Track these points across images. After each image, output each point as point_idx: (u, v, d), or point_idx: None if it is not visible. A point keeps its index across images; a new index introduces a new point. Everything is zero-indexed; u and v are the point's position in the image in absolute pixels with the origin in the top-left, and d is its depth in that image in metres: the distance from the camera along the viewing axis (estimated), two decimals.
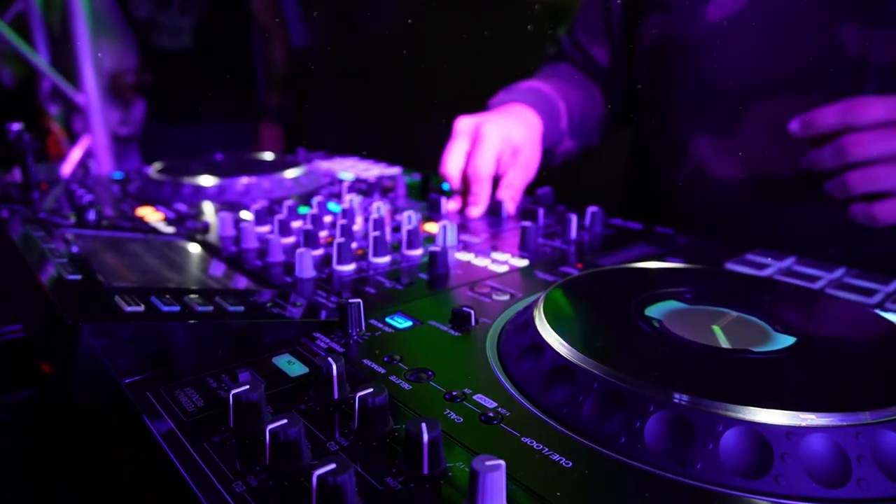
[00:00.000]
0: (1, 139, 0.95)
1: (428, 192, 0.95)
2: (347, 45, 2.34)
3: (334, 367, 0.37)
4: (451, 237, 0.71)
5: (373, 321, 0.50)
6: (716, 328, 0.42)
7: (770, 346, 0.40)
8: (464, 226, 0.81)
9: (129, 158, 2.22)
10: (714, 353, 0.39)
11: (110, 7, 2.05)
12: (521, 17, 1.54)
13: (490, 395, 0.38)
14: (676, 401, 0.33)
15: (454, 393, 0.39)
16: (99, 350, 0.41)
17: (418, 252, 0.68)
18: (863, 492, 0.29)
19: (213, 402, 0.38)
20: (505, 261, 0.66)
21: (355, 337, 0.47)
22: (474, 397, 0.38)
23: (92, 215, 0.79)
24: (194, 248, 0.72)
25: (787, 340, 0.40)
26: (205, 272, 0.64)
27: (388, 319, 0.50)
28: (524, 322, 0.44)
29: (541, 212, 0.80)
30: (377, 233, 0.66)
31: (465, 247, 0.71)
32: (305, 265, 0.61)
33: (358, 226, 0.78)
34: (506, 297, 0.55)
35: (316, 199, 0.87)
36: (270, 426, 0.30)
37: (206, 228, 0.79)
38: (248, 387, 0.35)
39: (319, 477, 0.26)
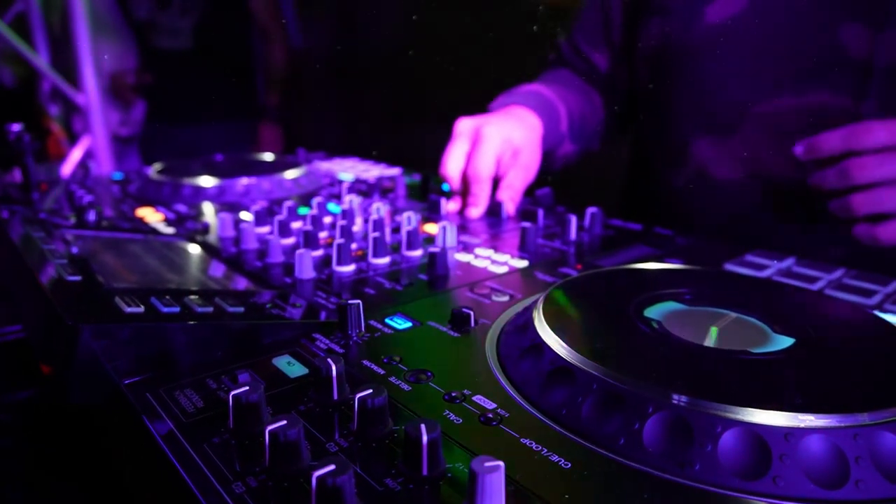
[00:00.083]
0: (1, 139, 0.95)
1: (428, 192, 0.95)
2: (347, 46, 2.34)
3: (334, 368, 0.37)
4: (451, 238, 0.71)
5: (372, 322, 0.50)
6: (713, 329, 0.42)
7: (769, 347, 0.40)
8: (463, 227, 0.81)
9: (129, 159, 2.22)
10: (713, 354, 0.39)
11: (110, 7, 2.05)
12: (523, 20, 1.54)
13: (489, 396, 0.38)
14: (675, 402, 0.33)
15: (453, 394, 0.39)
16: (99, 351, 0.41)
17: (418, 253, 0.68)
18: (861, 493, 0.30)
19: (213, 403, 0.38)
20: (504, 262, 0.66)
21: (355, 338, 0.47)
22: (474, 398, 0.38)
23: (92, 216, 0.79)
24: (194, 249, 0.72)
25: (786, 341, 0.40)
26: (204, 273, 0.64)
27: (387, 320, 0.50)
28: (523, 323, 0.44)
29: (540, 213, 0.80)
30: (377, 234, 0.66)
31: (465, 248, 0.71)
32: (305, 266, 0.61)
33: (357, 227, 0.78)
34: (505, 298, 0.55)
35: (316, 200, 0.87)
36: (270, 427, 0.31)
37: (205, 229, 0.79)
38: (247, 388, 0.35)
39: (319, 478, 0.26)
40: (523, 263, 0.65)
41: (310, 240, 0.68)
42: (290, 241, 0.72)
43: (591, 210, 0.77)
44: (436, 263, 0.62)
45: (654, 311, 0.45)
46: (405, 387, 0.40)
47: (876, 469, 0.30)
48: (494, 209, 0.86)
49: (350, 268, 0.63)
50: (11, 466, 0.54)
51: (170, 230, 0.79)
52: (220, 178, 0.96)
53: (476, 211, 0.86)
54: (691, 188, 0.93)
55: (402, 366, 0.43)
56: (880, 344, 0.41)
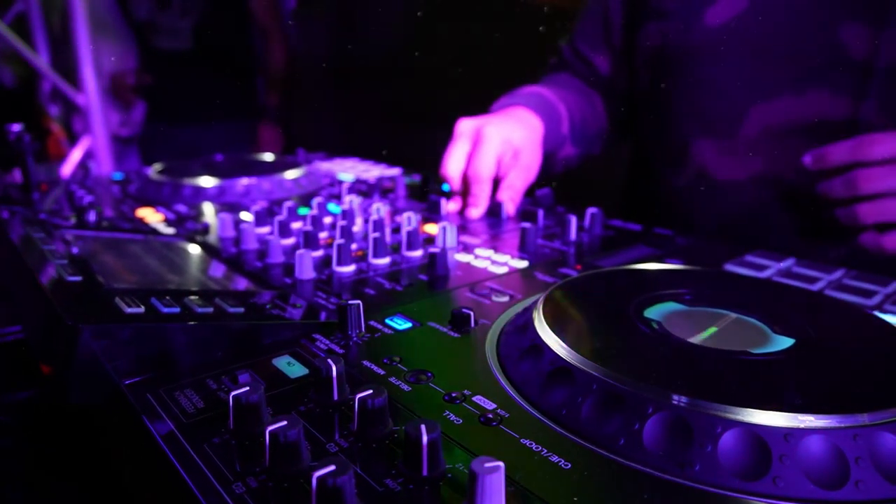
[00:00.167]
0: (1, 140, 0.95)
1: (428, 193, 0.95)
2: (347, 46, 2.34)
3: (334, 368, 0.37)
4: (451, 238, 0.71)
5: (372, 322, 0.50)
6: (710, 329, 0.42)
7: (769, 347, 0.40)
8: (463, 227, 0.81)
9: (129, 159, 2.22)
10: (713, 354, 0.39)
11: (110, 8, 2.05)
12: (523, 20, 1.54)
13: (489, 396, 0.38)
14: (675, 402, 0.33)
15: (453, 394, 0.39)
16: (99, 351, 0.41)
17: (418, 253, 0.68)
18: (861, 493, 0.30)
19: (213, 403, 0.38)
20: (505, 262, 0.66)
21: (355, 338, 0.47)
22: (474, 399, 0.38)
23: (92, 216, 0.79)
24: (194, 250, 0.72)
25: (785, 342, 0.40)
26: (205, 273, 0.64)
27: (387, 321, 0.50)
28: (523, 323, 0.44)
29: (540, 213, 0.80)
30: (377, 234, 0.66)
31: (465, 248, 0.71)
32: (305, 266, 0.61)
33: (358, 227, 0.78)
34: (505, 299, 0.55)
35: (316, 201, 0.87)
36: (270, 427, 0.31)
37: (205, 229, 0.79)
38: (247, 388, 0.35)
39: (319, 478, 0.26)
40: (523, 264, 0.65)
41: (310, 240, 0.68)
42: (291, 241, 0.72)
43: (591, 210, 0.78)
44: (436, 264, 0.62)
45: (654, 312, 0.45)
46: (405, 387, 0.40)
47: (876, 470, 0.30)
48: (494, 210, 0.86)
49: (350, 268, 0.63)
50: (11, 466, 0.53)
51: (170, 230, 0.79)
52: (220, 179, 0.96)
53: (476, 211, 0.86)
54: (691, 189, 0.93)
55: (402, 366, 0.43)
56: (880, 344, 0.41)
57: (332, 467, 0.27)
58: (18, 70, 2.20)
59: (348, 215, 0.78)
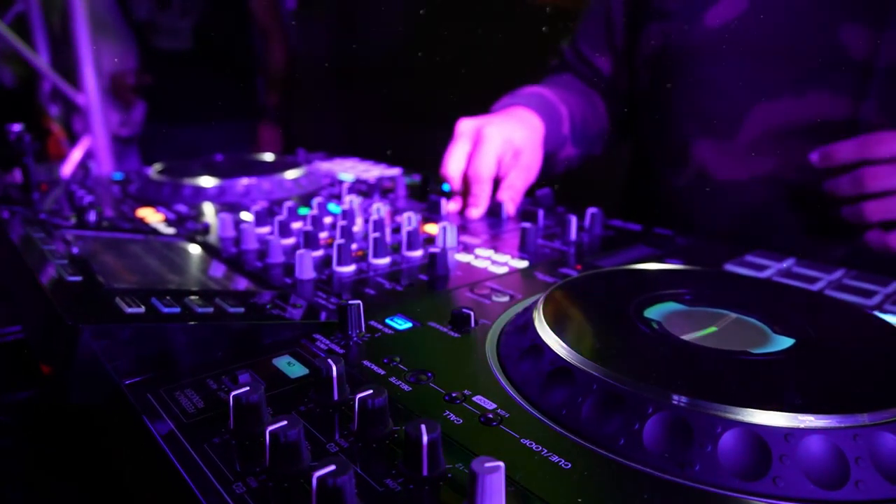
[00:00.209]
0: (1, 140, 0.95)
1: (428, 193, 0.95)
2: (347, 46, 2.34)
3: (334, 368, 0.37)
4: (451, 238, 0.71)
5: (372, 322, 0.50)
6: (708, 329, 0.42)
7: (769, 347, 0.40)
8: (464, 227, 0.81)
9: (129, 159, 2.22)
10: (713, 354, 0.39)
11: (110, 8, 2.05)
12: (524, 20, 1.54)
13: (489, 396, 0.38)
14: (675, 402, 0.33)
15: (454, 394, 0.39)
16: (99, 351, 0.41)
17: (418, 253, 0.68)
18: (861, 493, 0.30)
19: (214, 403, 0.38)
20: (505, 262, 0.66)
21: (355, 338, 0.47)
22: (474, 399, 0.38)
23: (92, 216, 0.79)
24: (194, 250, 0.72)
25: (785, 342, 0.40)
26: (205, 273, 0.64)
27: (387, 321, 0.50)
28: (524, 323, 0.44)
29: (540, 213, 0.80)
30: (377, 234, 0.66)
31: (465, 248, 0.71)
32: (305, 266, 0.61)
33: (358, 227, 0.78)
34: (505, 299, 0.55)
35: (316, 201, 0.87)
36: (270, 427, 0.31)
37: (206, 229, 0.79)
38: (248, 388, 0.35)
39: (319, 478, 0.26)
40: (523, 264, 0.65)
41: (310, 240, 0.68)
42: (291, 241, 0.72)
43: (591, 210, 0.78)
44: (436, 264, 0.62)
45: (653, 312, 0.45)
46: (405, 387, 0.40)
47: (876, 470, 0.30)
48: (495, 210, 0.86)
49: (350, 268, 0.63)
50: (11, 466, 0.53)
51: (170, 230, 0.79)
52: (220, 179, 0.96)
53: (476, 211, 0.86)
54: (692, 189, 0.93)
55: (403, 366, 0.43)
56: (880, 344, 0.41)
57: (333, 467, 0.27)
58: (18, 70, 2.20)
59: (348, 215, 0.78)
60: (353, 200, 0.85)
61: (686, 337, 0.41)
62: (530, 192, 0.94)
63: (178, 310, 0.45)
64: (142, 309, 0.44)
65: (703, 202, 0.92)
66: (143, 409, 0.38)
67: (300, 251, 0.61)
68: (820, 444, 0.30)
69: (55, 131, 2.13)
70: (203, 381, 0.41)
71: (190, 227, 0.81)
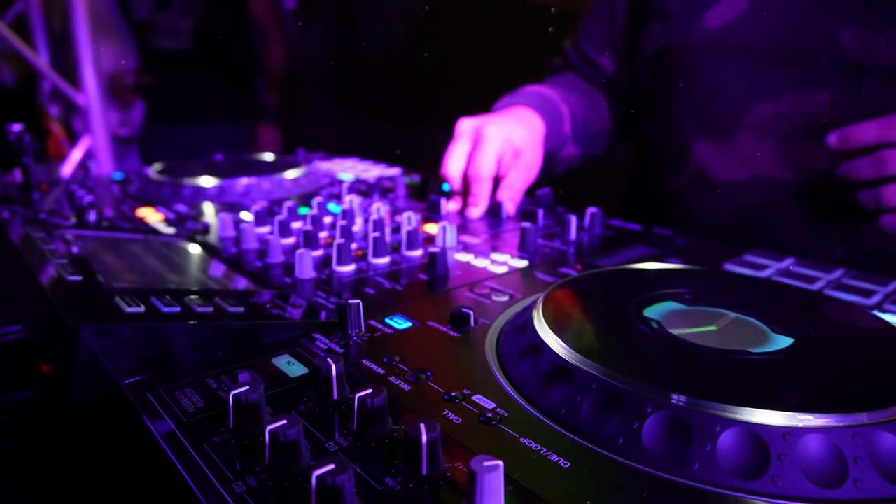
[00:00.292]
0: (1, 140, 0.95)
1: (428, 192, 0.95)
2: (347, 46, 2.34)
3: (333, 367, 0.37)
4: (451, 238, 0.71)
5: (372, 322, 0.50)
6: (707, 329, 0.43)
7: (768, 347, 0.40)
8: (463, 227, 0.81)
9: (129, 159, 2.22)
10: (712, 354, 0.39)
11: (110, 7, 2.05)
12: (525, 21, 1.54)
13: (489, 395, 0.38)
14: (674, 402, 0.33)
15: (453, 394, 0.39)
16: (99, 351, 0.41)
17: (418, 253, 0.68)
18: (859, 492, 0.30)
19: (213, 402, 0.38)
20: (504, 262, 0.66)
21: (355, 338, 0.47)
22: (473, 398, 0.38)
23: (92, 216, 0.79)
24: (194, 249, 0.72)
25: (785, 341, 0.40)
26: (205, 273, 0.64)
27: (387, 320, 0.50)
28: (523, 323, 0.44)
29: (540, 213, 0.80)
30: (377, 234, 0.66)
31: (465, 248, 0.72)
32: (305, 266, 0.61)
33: (357, 227, 0.78)
34: (505, 298, 0.55)
35: (316, 200, 0.87)
36: (270, 427, 0.31)
37: (206, 229, 0.80)
38: (247, 387, 0.35)
39: (318, 477, 0.26)
40: (523, 263, 0.65)
41: (310, 240, 0.68)
42: (291, 241, 0.72)
43: (590, 210, 0.78)
44: (436, 263, 0.62)
45: (653, 311, 0.45)
46: (405, 386, 0.40)
47: (874, 469, 0.30)
48: (494, 209, 0.86)
49: (350, 268, 0.63)
50: (11, 466, 0.54)
51: (170, 230, 0.79)
52: (220, 178, 0.97)
53: (476, 211, 0.86)
54: (692, 189, 0.93)
55: (402, 366, 0.43)
56: (879, 344, 0.41)
57: (332, 466, 0.27)
58: (18, 70, 2.20)
59: (348, 215, 0.78)
60: (352, 200, 0.85)
61: (685, 336, 0.41)
62: (530, 192, 0.94)
63: (177, 309, 0.45)
64: (141, 308, 0.44)
65: (703, 202, 0.92)
66: (143, 409, 0.38)
67: (300, 251, 0.61)
68: (819, 444, 0.31)
69: (55, 131, 2.13)
70: (203, 381, 0.41)
71: (190, 226, 0.81)
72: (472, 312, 0.49)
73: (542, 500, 0.29)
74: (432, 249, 0.62)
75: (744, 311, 0.45)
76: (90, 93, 1.91)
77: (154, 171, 1.04)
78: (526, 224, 0.71)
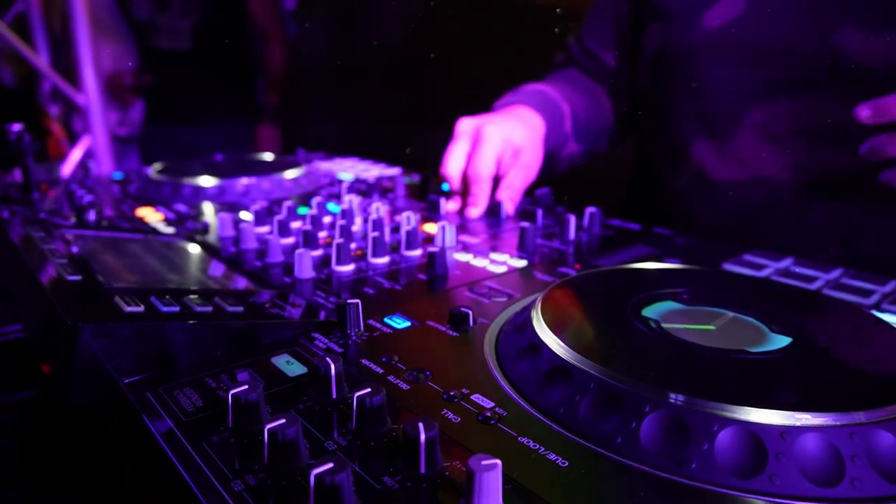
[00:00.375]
0: (1, 140, 0.95)
1: (427, 192, 0.96)
2: (347, 46, 2.34)
3: (332, 367, 0.37)
4: (450, 238, 0.72)
5: (371, 321, 0.50)
6: (705, 328, 0.43)
7: (766, 346, 0.40)
8: (463, 226, 0.81)
9: (128, 159, 2.22)
10: (710, 353, 0.39)
11: (110, 8, 2.05)
12: (525, 21, 1.54)
13: (487, 395, 0.39)
14: (672, 401, 0.33)
15: (452, 393, 0.39)
16: (99, 350, 0.41)
17: (417, 253, 0.68)
18: (857, 491, 0.30)
19: (213, 401, 0.39)
20: (503, 261, 0.66)
21: (354, 337, 0.47)
22: (472, 397, 0.38)
23: (92, 216, 0.79)
24: (194, 249, 0.72)
25: (783, 341, 0.41)
26: (204, 273, 0.64)
27: (386, 320, 0.50)
28: (522, 322, 0.44)
29: (539, 213, 0.80)
30: (376, 233, 0.66)
31: (464, 247, 0.72)
32: (304, 266, 0.61)
33: (357, 226, 0.78)
34: (504, 298, 0.55)
35: (315, 200, 0.87)
36: (269, 426, 0.31)
37: (205, 229, 0.80)
38: (246, 387, 0.35)
39: (317, 476, 0.27)
40: (522, 263, 0.66)
41: (309, 239, 0.68)
42: (290, 240, 0.73)
43: (589, 210, 0.78)
44: (435, 263, 0.62)
45: (651, 311, 0.45)
46: (404, 386, 0.40)
47: (872, 467, 0.30)
48: (494, 209, 0.86)
49: (349, 267, 0.63)
50: (11, 466, 0.54)
51: (170, 230, 0.79)
52: (219, 178, 0.97)
53: (476, 211, 0.86)
54: (692, 189, 0.93)
55: (401, 365, 0.43)
56: (877, 344, 0.41)
57: (331, 465, 0.27)
58: (18, 70, 2.20)
59: (347, 215, 0.78)
60: (352, 200, 0.85)
61: (683, 336, 0.41)
62: (529, 192, 0.94)
63: (177, 309, 0.46)
64: (141, 308, 0.44)
65: (703, 202, 0.92)
66: (143, 408, 0.38)
67: (299, 250, 0.62)
68: (816, 442, 0.31)
69: (55, 131, 2.13)
70: (202, 380, 0.41)
71: (189, 226, 0.81)
72: (470, 312, 0.49)
73: (540, 498, 0.29)
74: (431, 249, 0.63)
75: (742, 311, 0.45)
76: (90, 93, 1.91)
77: (154, 170, 1.04)
78: (525, 224, 0.71)
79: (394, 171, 1.19)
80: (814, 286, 0.58)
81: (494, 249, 0.71)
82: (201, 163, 1.14)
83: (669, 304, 0.47)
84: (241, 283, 0.61)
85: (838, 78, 0.77)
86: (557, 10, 1.34)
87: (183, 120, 2.11)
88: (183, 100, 2.09)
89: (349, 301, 0.48)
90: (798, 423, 0.31)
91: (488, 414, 0.36)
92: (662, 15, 0.94)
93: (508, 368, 0.41)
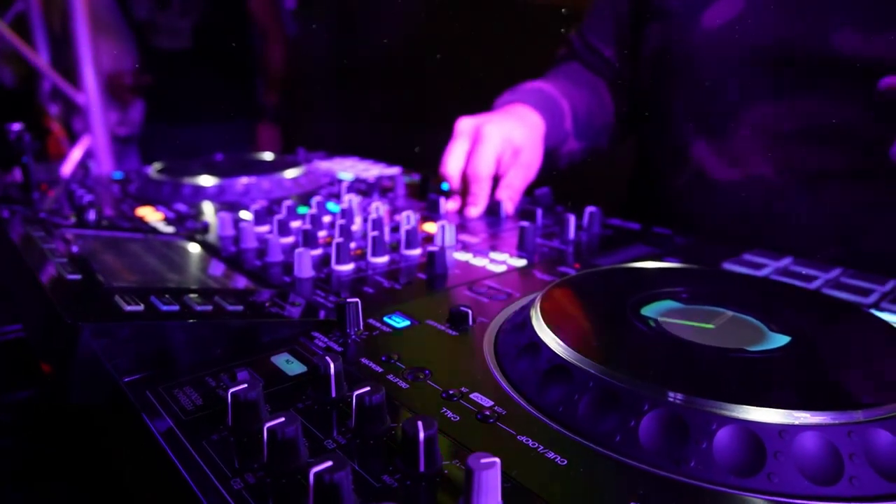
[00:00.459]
0: (1, 139, 0.95)
1: (427, 192, 0.96)
2: (348, 46, 2.34)
3: (332, 365, 0.37)
4: (450, 237, 0.72)
5: (371, 321, 0.50)
6: (704, 326, 0.43)
7: (765, 345, 0.40)
8: (462, 226, 0.81)
9: (128, 159, 2.23)
10: (709, 352, 0.39)
11: (110, 8, 2.05)
12: (525, 20, 1.54)
13: (487, 393, 0.39)
14: (671, 399, 0.33)
15: (451, 392, 0.39)
16: (99, 350, 0.41)
17: (417, 252, 0.68)
18: (855, 489, 0.30)
19: (212, 400, 0.39)
20: (503, 261, 0.66)
21: (353, 336, 0.47)
22: (471, 396, 0.38)
23: (92, 215, 0.79)
24: (194, 248, 0.72)
25: (782, 340, 0.41)
26: (204, 272, 0.64)
27: (386, 319, 0.50)
28: (521, 321, 0.44)
29: (539, 212, 0.80)
30: (376, 233, 0.66)
31: (464, 247, 0.72)
32: (304, 265, 0.61)
33: (357, 226, 0.78)
34: (503, 297, 0.55)
35: (315, 200, 0.87)
36: (268, 424, 0.31)
37: (205, 228, 0.80)
38: (246, 385, 0.35)
39: (316, 474, 0.27)
40: (522, 262, 0.66)
41: (309, 239, 0.68)
42: (290, 240, 0.73)
43: (589, 209, 0.78)
44: (434, 262, 0.62)
45: (651, 310, 0.45)
46: (403, 385, 0.40)
47: (870, 466, 0.30)
48: (493, 208, 0.86)
49: (349, 267, 0.63)
50: (11, 466, 0.54)
51: (170, 229, 0.79)
52: (219, 178, 0.97)
53: (475, 210, 0.86)
54: (692, 189, 0.93)
55: (401, 364, 0.43)
56: (876, 343, 0.42)
57: (330, 463, 0.27)
58: (18, 70, 2.20)
59: (347, 214, 0.78)
60: (352, 199, 0.85)
61: (682, 335, 0.41)
62: (529, 191, 0.94)
63: (177, 308, 0.46)
64: (141, 307, 0.45)
65: (703, 202, 0.92)
66: (143, 407, 0.38)
67: (299, 250, 0.62)
68: (814, 441, 0.31)
69: (55, 131, 2.13)
70: (202, 379, 0.41)
71: (189, 226, 0.81)
72: (470, 311, 0.49)
73: (539, 497, 0.30)
74: (431, 248, 0.63)
75: (741, 310, 0.45)
76: (90, 92, 1.91)
77: (154, 170, 1.04)
78: (525, 223, 0.71)
79: (394, 170, 1.19)
80: (813, 285, 0.58)
81: (494, 249, 0.71)
82: (201, 162, 1.14)
83: (669, 304, 0.47)
84: (241, 282, 0.61)
85: (838, 78, 0.77)
86: (563, 10, 1.34)
87: (183, 120, 2.11)
88: (183, 99, 2.09)
89: (349, 300, 0.48)
90: (796, 422, 0.31)
91: (487, 413, 0.36)
92: (662, 14, 0.94)
93: (508, 367, 0.41)
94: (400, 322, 0.50)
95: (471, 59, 1.65)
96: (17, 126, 0.94)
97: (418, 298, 0.56)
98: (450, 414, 0.37)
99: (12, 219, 0.76)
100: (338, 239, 0.64)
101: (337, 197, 0.94)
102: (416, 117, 1.83)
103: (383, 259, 0.66)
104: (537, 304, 0.44)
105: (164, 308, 0.45)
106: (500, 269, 0.64)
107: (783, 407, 0.32)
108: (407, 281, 0.60)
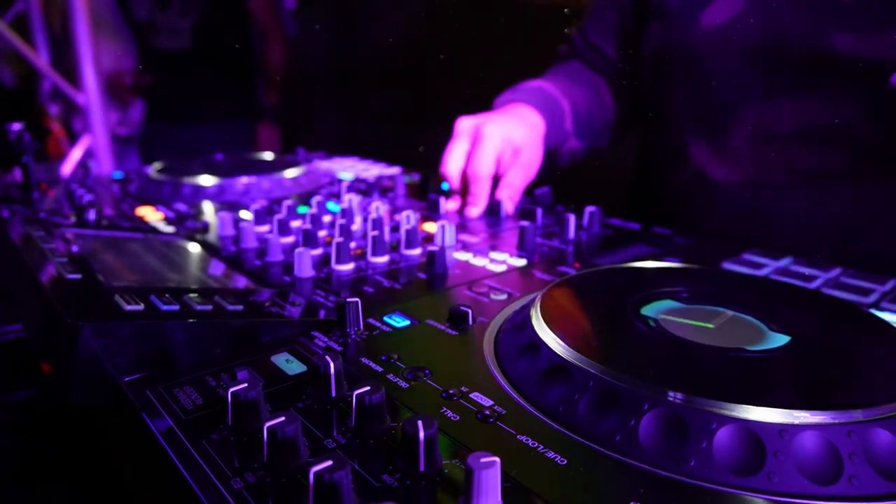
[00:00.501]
0: (1, 139, 0.95)
1: (427, 191, 0.96)
2: (348, 46, 2.34)
3: (332, 365, 0.37)
4: (450, 237, 0.72)
5: (371, 320, 0.50)
6: (704, 326, 0.43)
7: (765, 344, 0.40)
8: (462, 225, 0.81)
9: (128, 158, 2.22)
10: (709, 351, 0.39)
11: (110, 8, 2.05)
12: (525, 20, 1.54)
13: (487, 393, 0.39)
14: (671, 399, 0.33)
15: (451, 391, 0.39)
16: (99, 349, 0.41)
17: (417, 252, 0.68)
18: (854, 489, 0.30)
19: (212, 400, 0.39)
20: (503, 260, 0.66)
21: (353, 336, 0.47)
22: (471, 395, 0.38)
23: (92, 215, 0.79)
24: (194, 248, 0.72)
25: (781, 339, 0.41)
26: (204, 272, 0.64)
27: (386, 318, 0.50)
28: (521, 321, 0.44)
29: (539, 212, 0.81)
30: (376, 232, 0.66)
31: (464, 246, 0.72)
32: (304, 265, 0.61)
33: (357, 225, 0.78)
34: (503, 297, 0.55)
35: (315, 199, 0.87)
36: (268, 424, 0.31)
37: (205, 228, 0.80)
38: (246, 385, 0.35)
39: (316, 474, 0.27)
40: (522, 262, 0.66)
41: (309, 238, 0.68)
42: (290, 239, 0.73)
43: (589, 209, 0.78)
44: (434, 262, 0.62)
45: (650, 310, 0.45)
46: (403, 384, 0.40)
47: (869, 465, 0.30)
48: (493, 208, 0.86)
49: (349, 266, 0.63)
50: (11, 466, 0.54)
51: (170, 229, 0.79)
52: (219, 178, 0.97)
53: (475, 210, 0.86)
54: (692, 188, 0.93)
55: (400, 363, 0.43)
56: (875, 342, 0.42)
57: (330, 463, 0.27)
58: (18, 69, 2.20)
59: (347, 214, 0.78)
60: (352, 199, 0.85)
61: (682, 334, 0.41)
62: (529, 191, 0.94)
63: (177, 307, 0.46)
64: (141, 306, 0.45)
65: (703, 201, 0.92)
66: (143, 406, 0.38)
67: (299, 249, 0.62)
68: (814, 440, 0.31)
69: (55, 130, 2.13)
70: (202, 378, 0.41)
71: (189, 225, 0.81)
72: (470, 311, 0.49)
73: (539, 496, 0.30)
74: (431, 248, 0.63)
75: (741, 310, 0.45)
76: (90, 92, 1.91)
77: (154, 170, 1.04)
78: (525, 223, 0.71)
79: (394, 170, 1.19)
80: (813, 285, 0.58)
81: (494, 248, 0.71)
82: (201, 162, 1.14)
83: (668, 303, 0.47)
84: (241, 281, 0.61)
85: (838, 78, 0.77)
86: (566, 9, 1.33)
87: (183, 119, 2.11)
88: (183, 99, 2.10)
89: (349, 300, 0.48)
90: (796, 422, 0.31)
91: (487, 412, 0.36)
92: (662, 14, 0.94)
93: (508, 367, 0.41)
94: (400, 322, 0.50)
95: (471, 59, 1.65)
96: (17, 126, 0.94)
97: (418, 298, 0.56)
98: (450, 413, 0.37)
99: (12, 219, 0.76)
100: (338, 239, 0.64)
101: (337, 197, 0.94)
102: (416, 117, 1.83)
103: (383, 259, 0.66)
104: (537, 304, 0.44)
105: (164, 307, 0.45)
106: (500, 268, 0.64)
107: (783, 406, 0.32)
108: (407, 280, 0.60)
